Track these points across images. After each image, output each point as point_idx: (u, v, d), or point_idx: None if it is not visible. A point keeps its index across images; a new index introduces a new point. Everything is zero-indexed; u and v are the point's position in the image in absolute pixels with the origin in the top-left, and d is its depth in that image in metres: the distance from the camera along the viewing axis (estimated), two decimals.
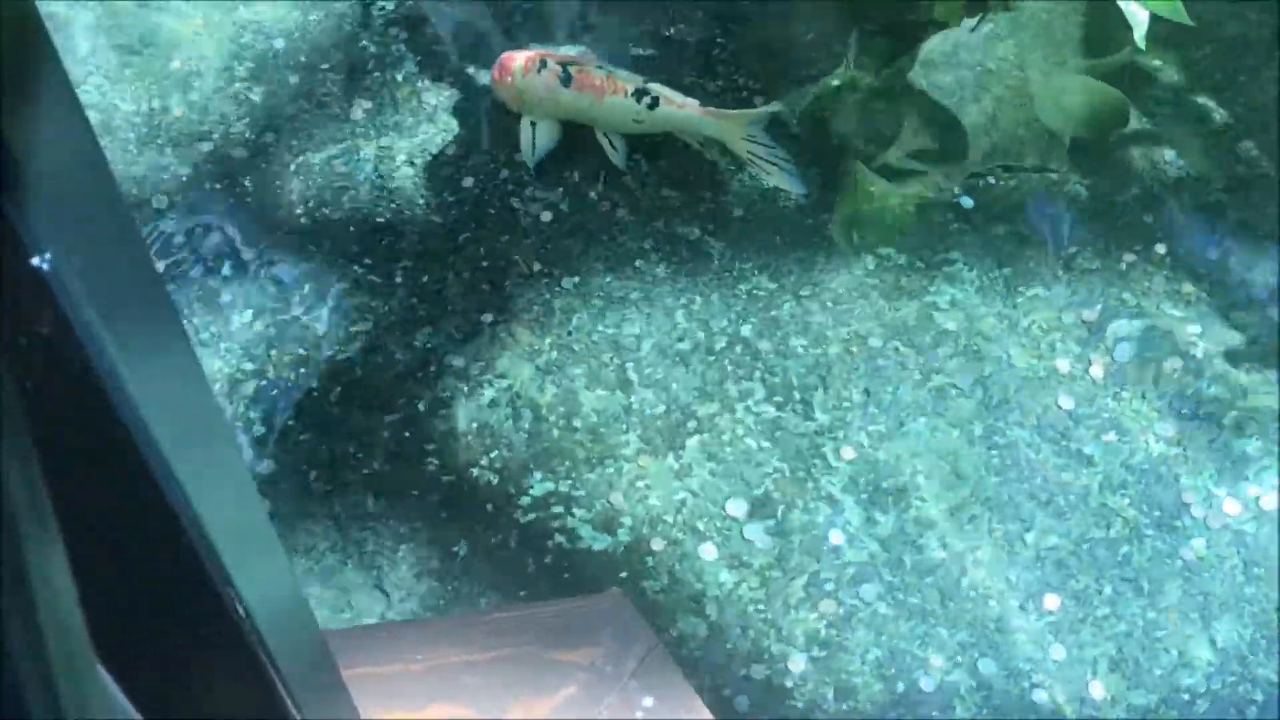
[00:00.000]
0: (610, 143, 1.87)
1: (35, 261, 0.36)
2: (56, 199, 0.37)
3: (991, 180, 1.90)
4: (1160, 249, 1.83)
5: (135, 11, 2.09)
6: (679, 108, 1.85)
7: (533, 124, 1.88)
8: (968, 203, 1.87)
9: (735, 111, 1.86)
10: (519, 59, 1.88)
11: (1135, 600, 1.58)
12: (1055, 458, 1.67)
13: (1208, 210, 1.87)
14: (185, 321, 1.77)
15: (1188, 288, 1.80)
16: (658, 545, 1.61)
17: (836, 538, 1.61)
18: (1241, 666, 1.54)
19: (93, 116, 1.93)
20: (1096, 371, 1.73)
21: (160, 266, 1.82)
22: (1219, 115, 1.94)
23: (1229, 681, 1.53)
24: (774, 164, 1.86)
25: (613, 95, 1.84)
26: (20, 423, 0.34)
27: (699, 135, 1.89)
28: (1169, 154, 1.91)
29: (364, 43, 2.06)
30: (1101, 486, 1.65)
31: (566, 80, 1.85)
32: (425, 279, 1.83)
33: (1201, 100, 1.96)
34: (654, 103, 1.83)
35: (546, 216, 1.87)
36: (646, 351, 1.76)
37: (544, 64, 1.87)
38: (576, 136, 1.91)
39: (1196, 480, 1.66)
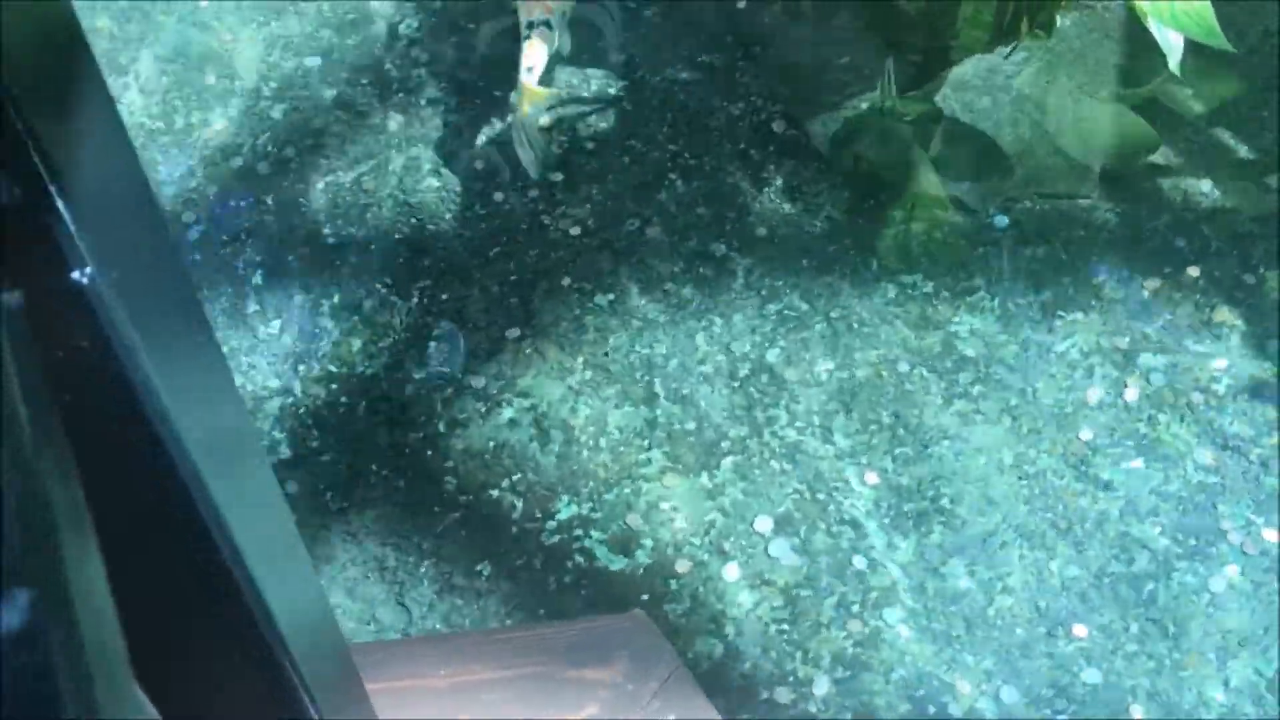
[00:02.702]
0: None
1: (75, 275, 0.36)
2: (97, 214, 0.37)
3: (1027, 204, 1.89)
4: (1190, 277, 1.82)
5: (173, 27, 2.11)
6: (526, 68, 1.84)
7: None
8: (1002, 221, 1.87)
9: (540, 89, 1.86)
10: None
11: (1160, 641, 1.57)
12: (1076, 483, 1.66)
13: (1238, 239, 1.85)
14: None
15: (1220, 316, 1.79)
16: (682, 566, 1.61)
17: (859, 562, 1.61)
18: None
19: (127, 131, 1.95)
20: (1130, 397, 1.72)
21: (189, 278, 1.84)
22: (1250, 145, 1.93)
23: None
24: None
25: (531, 13, 1.87)
26: (59, 436, 0.34)
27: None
28: (1201, 183, 1.90)
29: (388, 64, 2.08)
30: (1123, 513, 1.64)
31: None
32: (445, 296, 1.84)
33: (1233, 130, 1.95)
34: (526, 36, 1.85)
35: (575, 230, 1.89)
36: (673, 369, 1.76)
37: None
38: (605, 153, 1.92)
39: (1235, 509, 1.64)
